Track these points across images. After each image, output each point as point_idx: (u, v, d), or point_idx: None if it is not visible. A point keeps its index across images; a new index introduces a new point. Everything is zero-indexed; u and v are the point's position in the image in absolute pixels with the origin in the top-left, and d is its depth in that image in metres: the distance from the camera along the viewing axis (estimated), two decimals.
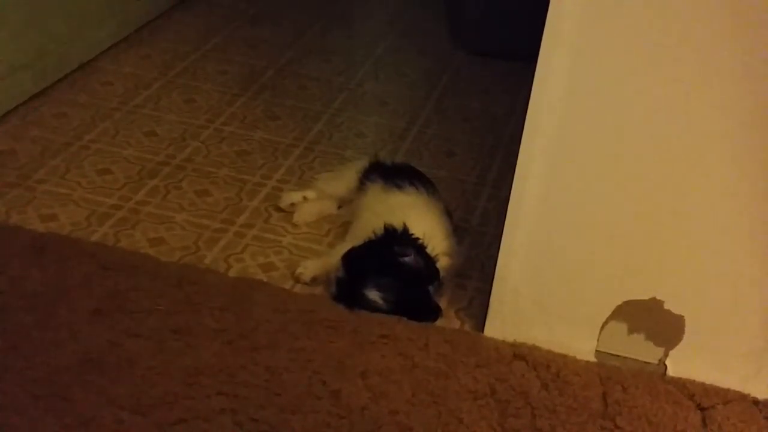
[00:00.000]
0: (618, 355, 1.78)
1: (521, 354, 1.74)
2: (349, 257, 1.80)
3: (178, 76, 2.74)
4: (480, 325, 1.81)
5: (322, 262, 1.92)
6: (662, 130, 1.53)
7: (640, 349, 1.76)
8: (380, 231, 1.82)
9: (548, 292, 1.74)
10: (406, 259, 1.79)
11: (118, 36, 2.87)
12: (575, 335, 1.75)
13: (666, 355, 1.75)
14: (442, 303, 1.88)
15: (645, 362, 1.77)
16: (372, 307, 1.80)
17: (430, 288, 1.84)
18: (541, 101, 1.54)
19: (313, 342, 1.70)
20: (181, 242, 1.99)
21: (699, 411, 1.66)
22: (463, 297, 1.93)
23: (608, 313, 1.73)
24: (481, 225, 2.18)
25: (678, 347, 1.73)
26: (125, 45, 2.87)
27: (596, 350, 1.77)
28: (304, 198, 2.14)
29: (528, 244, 1.69)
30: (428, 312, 1.82)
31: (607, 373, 1.72)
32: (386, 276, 1.79)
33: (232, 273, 1.91)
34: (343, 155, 2.42)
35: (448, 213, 2.02)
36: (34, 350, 1.61)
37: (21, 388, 1.52)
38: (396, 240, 1.80)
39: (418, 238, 1.81)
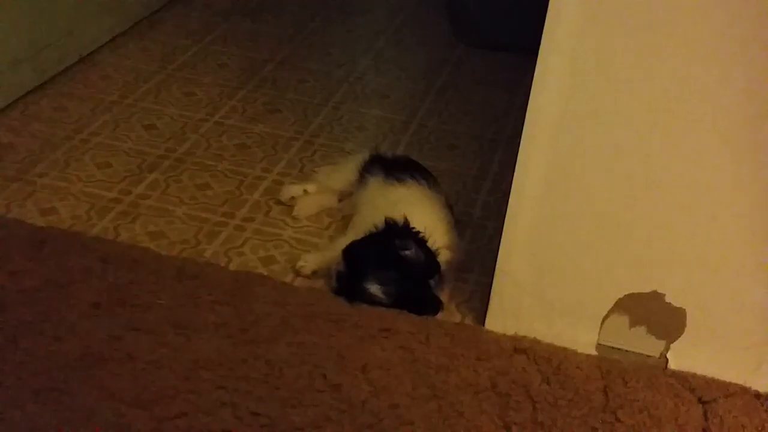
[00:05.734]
0: (619, 349, 1.78)
1: (522, 347, 1.73)
2: (350, 251, 1.80)
3: (178, 69, 2.73)
4: (481, 318, 1.81)
5: (323, 255, 1.91)
6: (664, 123, 1.52)
7: (642, 343, 1.76)
8: (381, 224, 1.82)
9: (549, 285, 1.74)
10: (407, 252, 1.78)
11: (118, 29, 2.86)
12: (576, 328, 1.75)
13: (667, 348, 1.75)
14: (443, 296, 1.87)
15: (646, 355, 1.77)
16: (373, 301, 1.80)
17: (431, 281, 1.84)
18: (542, 94, 1.54)
19: (313, 336, 1.70)
20: (181, 236, 1.99)
21: (700, 404, 1.66)
22: (463, 290, 1.93)
23: (609, 306, 1.73)
24: (481, 218, 2.18)
25: (679, 340, 1.73)
26: (125, 38, 2.87)
27: (597, 343, 1.77)
28: (305, 191, 2.14)
29: (529, 237, 1.69)
30: (429, 305, 1.82)
31: (608, 366, 1.71)
32: (387, 269, 1.79)
33: (232, 266, 1.91)
34: (343, 148, 2.41)
35: (449, 206, 2.02)
36: (34, 344, 1.60)
37: (21, 382, 1.52)
38: (397, 233, 1.80)
39: (418, 232, 1.81)
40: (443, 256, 1.85)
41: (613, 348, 1.78)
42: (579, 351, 1.75)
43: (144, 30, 2.95)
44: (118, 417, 1.48)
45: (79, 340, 1.63)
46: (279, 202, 2.14)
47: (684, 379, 1.71)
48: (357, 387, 1.60)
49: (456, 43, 3.14)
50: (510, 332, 1.78)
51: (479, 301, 1.87)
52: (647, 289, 1.69)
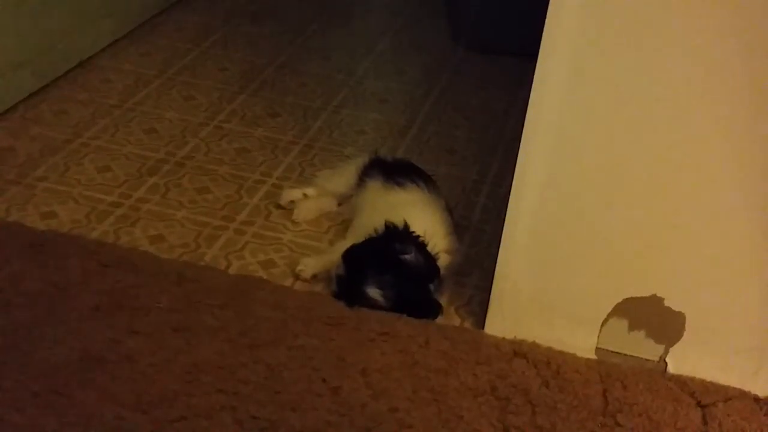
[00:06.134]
0: (618, 353, 1.78)
1: (521, 351, 1.73)
2: (350, 254, 1.80)
3: (177, 73, 2.73)
4: (480, 322, 1.81)
5: (323, 259, 1.91)
6: (662, 127, 1.53)
7: (641, 347, 1.76)
8: (381, 228, 1.82)
9: (548, 289, 1.74)
10: (407, 256, 1.79)
11: (118, 33, 2.87)
12: (575, 332, 1.75)
13: (666, 352, 1.75)
14: (443, 300, 1.87)
15: (645, 359, 1.77)
16: (372, 305, 1.80)
17: (431, 285, 1.84)
18: (542, 98, 1.54)
19: (313, 339, 1.70)
20: (181, 239, 1.99)
21: (699, 408, 1.66)
22: (463, 294, 1.93)
23: (608, 310, 1.73)
24: (481, 222, 2.18)
25: (678, 344, 1.73)
26: (125, 42, 2.87)
27: (596, 347, 1.77)
28: (304, 195, 2.14)
29: (528, 241, 1.69)
30: (428, 309, 1.82)
31: (608, 370, 1.71)
32: (387, 273, 1.79)
33: (232, 270, 1.91)
34: (343, 152, 2.42)
35: (449, 210, 2.02)
36: (34, 347, 1.61)
37: (21, 386, 1.52)
38: (396, 237, 1.80)
39: (418, 236, 1.81)
40: (443, 260, 1.86)
41: (612, 352, 1.78)
42: (578, 355, 1.75)
43: (144, 34, 2.95)
44: (117, 420, 1.48)
45: (78, 343, 1.63)
46: (279, 206, 2.14)
47: (683, 382, 1.71)
48: (356, 390, 1.60)
49: (455, 46, 3.14)
50: (509, 336, 1.78)
51: (478, 304, 1.87)
52: (646, 293, 1.69)
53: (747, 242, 1.60)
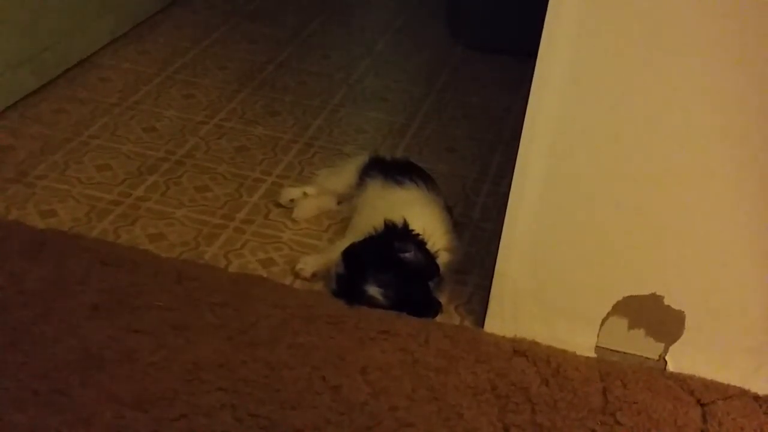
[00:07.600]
0: (618, 351, 1.78)
1: (521, 350, 1.74)
2: (350, 253, 1.80)
3: (177, 71, 2.73)
4: (480, 320, 1.81)
5: (322, 257, 1.92)
6: (662, 125, 1.53)
7: (641, 345, 1.76)
8: (380, 227, 1.82)
9: (548, 287, 1.74)
10: (407, 254, 1.79)
11: (118, 32, 2.87)
12: (575, 331, 1.75)
13: (666, 350, 1.75)
14: (442, 299, 1.88)
15: (645, 358, 1.78)
16: (372, 303, 1.80)
17: (430, 284, 1.84)
18: (541, 96, 1.54)
19: (313, 338, 1.70)
20: (181, 238, 1.99)
21: (699, 406, 1.66)
22: (463, 293, 1.93)
23: (608, 308, 1.73)
24: (481, 221, 2.18)
25: (678, 343, 1.73)
26: (124, 41, 2.87)
27: (596, 346, 1.77)
28: (304, 194, 2.14)
29: (528, 239, 1.69)
30: (428, 308, 1.82)
31: (607, 368, 1.72)
32: (386, 272, 1.79)
33: (231, 269, 1.91)
34: (342, 151, 2.42)
35: (448, 209, 2.02)
36: (34, 346, 1.61)
37: (21, 384, 1.52)
38: (396, 236, 1.80)
39: (418, 234, 1.81)
40: (442, 259, 1.86)
41: (612, 350, 1.78)
42: (578, 353, 1.75)
43: (143, 32, 2.95)
44: (117, 419, 1.48)
45: (78, 341, 1.63)
46: (278, 205, 2.14)
47: (683, 381, 1.71)
48: (356, 389, 1.60)
49: (455, 45, 3.14)
50: (509, 334, 1.78)
51: (478, 303, 1.87)
52: (646, 292, 1.69)
53: (747, 241, 1.60)
